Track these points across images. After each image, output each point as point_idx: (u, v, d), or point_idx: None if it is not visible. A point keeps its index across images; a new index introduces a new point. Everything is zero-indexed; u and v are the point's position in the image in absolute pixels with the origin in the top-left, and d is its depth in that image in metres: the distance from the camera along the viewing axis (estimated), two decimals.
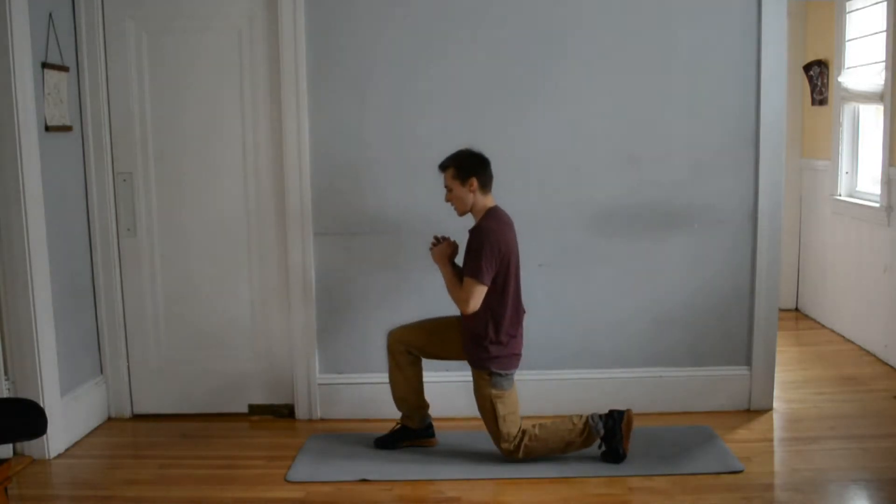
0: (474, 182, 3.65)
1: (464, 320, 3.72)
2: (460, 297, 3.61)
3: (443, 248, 3.74)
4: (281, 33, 4.17)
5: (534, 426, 3.72)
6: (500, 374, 3.67)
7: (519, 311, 3.75)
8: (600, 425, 3.69)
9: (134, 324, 4.46)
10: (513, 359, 3.72)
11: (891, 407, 4.40)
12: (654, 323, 4.35)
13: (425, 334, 3.87)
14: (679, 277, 4.32)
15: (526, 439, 3.69)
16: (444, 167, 3.70)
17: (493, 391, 3.67)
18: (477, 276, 3.56)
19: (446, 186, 3.71)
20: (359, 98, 4.22)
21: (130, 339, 4.48)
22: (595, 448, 3.77)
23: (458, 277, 3.68)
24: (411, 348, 3.86)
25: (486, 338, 3.65)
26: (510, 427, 3.69)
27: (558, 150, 4.24)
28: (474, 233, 3.64)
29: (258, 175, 4.34)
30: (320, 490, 3.57)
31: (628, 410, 3.71)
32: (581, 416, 3.73)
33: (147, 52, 4.29)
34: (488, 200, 3.71)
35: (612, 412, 3.72)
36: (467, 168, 3.65)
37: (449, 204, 3.75)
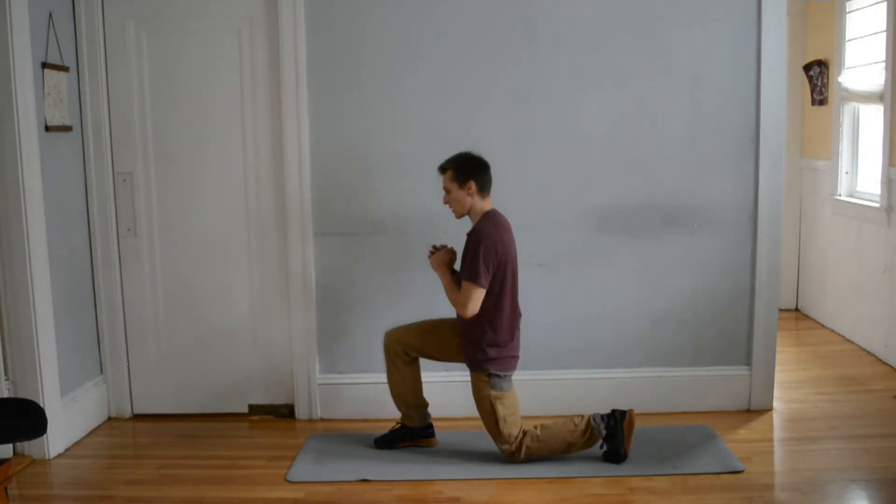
0: (472, 185, 3.65)
1: (461, 323, 3.72)
2: (459, 301, 3.62)
3: (441, 255, 3.76)
4: (281, 33, 4.17)
5: (535, 427, 3.72)
6: (499, 376, 3.68)
7: (516, 314, 3.75)
8: (602, 426, 3.69)
9: (134, 324, 4.46)
10: (511, 360, 3.73)
11: (891, 407, 4.40)
12: (654, 323, 4.35)
13: (422, 335, 3.88)
14: (679, 277, 4.32)
15: (527, 440, 3.69)
16: (443, 169, 3.70)
17: (493, 392, 3.67)
18: (475, 280, 3.57)
19: (445, 188, 3.71)
20: (359, 98, 4.22)
21: (130, 339, 4.47)
22: (596, 448, 3.76)
23: (457, 283, 3.68)
24: (408, 349, 3.86)
25: (484, 340, 3.66)
26: (511, 428, 3.69)
27: (558, 150, 4.24)
28: (472, 236, 3.65)
29: (258, 175, 4.34)
30: (320, 490, 3.57)
31: (630, 410, 3.71)
32: (583, 417, 3.73)
33: (147, 52, 4.29)
34: (486, 204, 3.72)
35: (614, 412, 3.72)
36: (466, 171, 3.66)
37: (447, 206, 3.76)
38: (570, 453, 3.75)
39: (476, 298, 3.59)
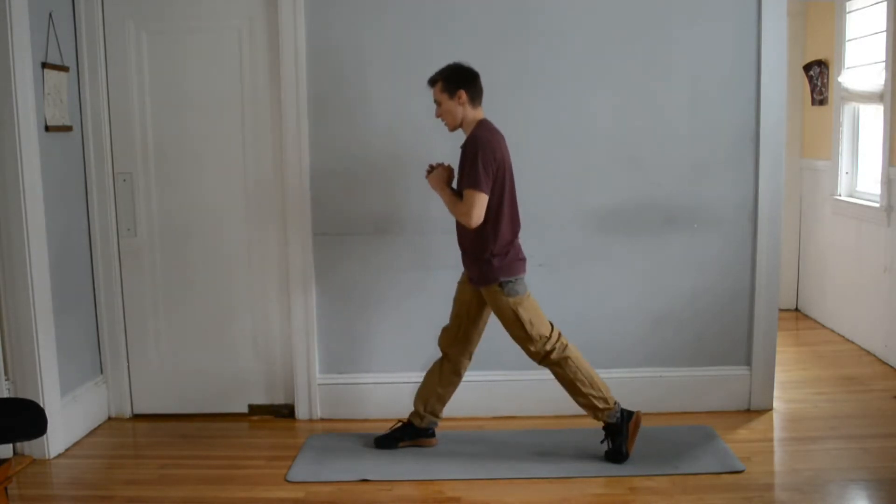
0: (463, 94, 3.59)
1: (463, 241, 3.67)
2: (462, 211, 3.53)
3: (439, 171, 3.68)
4: (281, 33, 4.17)
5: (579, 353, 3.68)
6: (511, 281, 3.60)
7: (516, 223, 3.68)
8: (616, 415, 3.69)
9: (134, 324, 4.46)
10: (518, 263, 3.65)
11: (891, 407, 4.40)
12: (655, 323, 4.35)
13: (453, 320, 3.81)
14: (679, 277, 4.32)
15: (571, 349, 3.64)
16: (432, 82, 3.65)
17: (510, 299, 3.60)
18: (476, 186, 3.49)
19: (435, 101, 3.65)
20: (359, 98, 4.22)
21: (130, 339, 4.48)
22: (597, 448, 3.77)
23: (458, 198, 3.61)
24: (453, 344, 3.78)
25: (487, 251, 3.59)
26: (540, 328, 3.62)
27: (558, 150, 4.24)
28: (468, 144, 3.58)
29: (258, 175, 4.34)
30: (320, 490, 3.57)
31: (638, 412, 3.71)
32: (612, 396, 3.71)
33: (147, 52, 4.29)
34: (479, 113, 3.66)
35: (622, 410, 3.72)
36: (455, 81, 3.60)
37: (440, 119, 3.69)
38: (577, 403, 3.71)
39: (480, 205, 3.50)
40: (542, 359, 3.67)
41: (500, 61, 4.18)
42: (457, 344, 3.82)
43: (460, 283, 3.82)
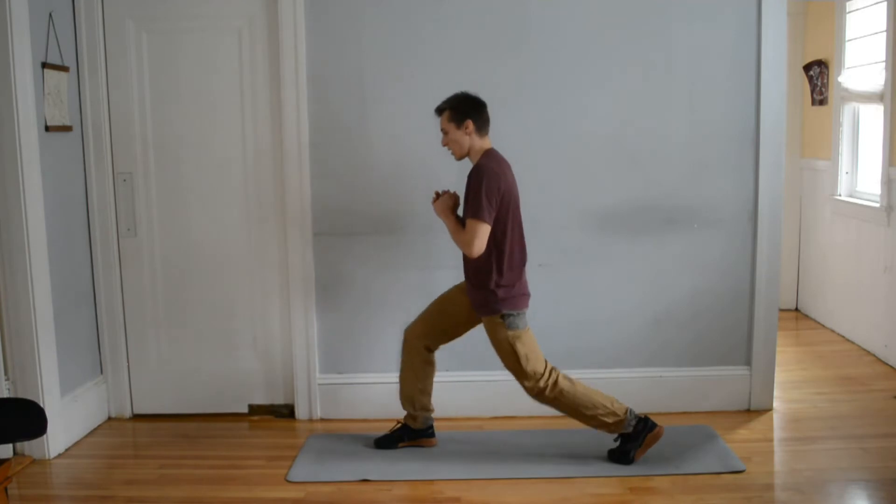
0: (470, 124, 3.60)
1: (467, 269, 3.68)
2: (465, 241, 3.54)
3: (444, 199, 3.68)
4: (281, 33, 4.17)
5: (572, 380, 3.67)
6: (513, 314, 3.61)
7: (523, 252, 3.68)
8: (633, 423, 3.67)
9: (134, 324, 4.46)
10: (522, 298, 3.66)
11: (891, 407, 4.40)
12: (655, 323, 4.35)
13: (435, 315, 3.83)
14: (679, 277, 4.32)
15: (564, 382, 3.63)
16: (440, 110, 3.66)
17: (510, 333, 3.60)
18: (478, 216, 3.49)
19: (442, 130, 3.66)
20: (359, 98, 4.22)
21: (130, 339, 4.47)
22: (597, 448, 3.77)
23: (461, 226, 3.61)
24: (430, 341, 3.81)
25: (492, 281, 3.59)
26: (535, 365, 3.62)
27: (558, 150, 4.24)
28: (473, 173, 3.58)
29: (258, 175, 4.34)
30: (320, 490, 3.57)
31: (661, 427, 3.69)
32: (622, 405, 3.69)
33: (147, 52, 4.29)
34: (485, 143, 3.66)
35: (647, 417, 3.70)
36: (463, 110, 3.61)
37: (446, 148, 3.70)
38: (587, 426, 3.70)
39: (481, 235, 3.51)
40: (537, 395, 3.68)
41: (501, 61, 4.19)
42: (429, 338, 3.82)
43: (459, 289, 3.81)
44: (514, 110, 4.20)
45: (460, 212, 3.70)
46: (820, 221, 6.16)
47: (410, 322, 3.89)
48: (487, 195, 3.49)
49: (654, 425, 3.68)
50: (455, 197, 3.70)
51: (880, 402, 4.48)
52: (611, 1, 4.17)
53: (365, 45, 4.19)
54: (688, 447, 3.87)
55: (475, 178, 3.54)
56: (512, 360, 3.64)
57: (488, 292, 3.61)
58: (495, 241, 3.57)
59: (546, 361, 3.67)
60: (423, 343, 3.82)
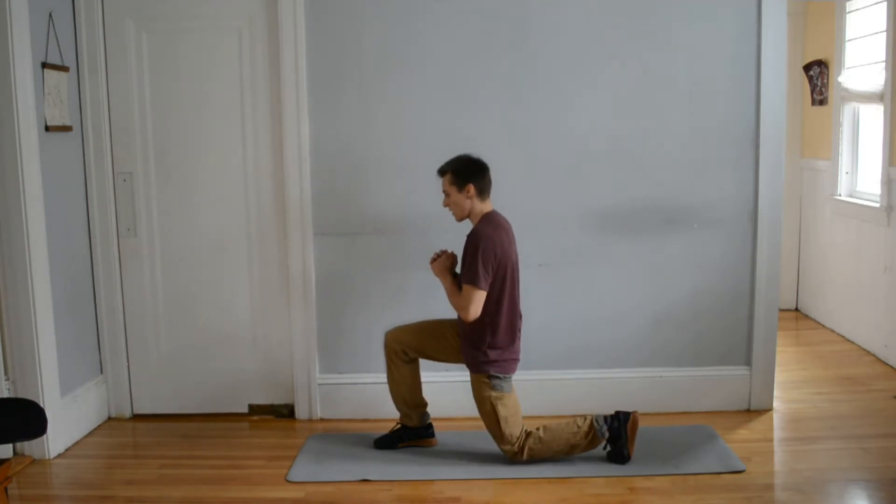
0: (471, 188, 3.65)
1: (462, 325, 3.72)
2: (460, 305, 3.62)
3: (442, 260, 3.76)
4: (281, 33, 4.17)
5: (538, 429, 3.72)
6: (500, 377, 3.68)
7: (516, 316, 3.74)
8: (605, 427, 3.69)
9: (134, 324, 4.46)
10: (511, 363, 3.72)
11: (891, 407, 4.40)
12: (655, 323, 4.35)
13: (422, 335, 3.88)
14: (679, 277, 4.32)
15: (530, 441, 3.69)
16: (442, 172, 3.71)
17: (493, 394, 3.67)
18: (475, 283, 3.57)
19: (444, 192, 3.72)
20: (359, 98, 4.22)
21: (130, 339, 4.47)
22: (598, 448, 3.76)
23: (459, 286, 3.68)
24: (408, 349, 3.86)
25: (485, 342, 3.66)
26: (512, 428, 3.69)
27: (558, 150, 4.24)
28: (470, 238, 3.65)
29: (258, 175, 4.34)
30: (320, 490, 3.57)
31: (634, 412, 3.71)
32: (585, 418, 3.72)
33: (147, 52, 4.29)
34: (486, 206, 3.72)
35: (618, 413, 3.72)
36: (465, 174, 3.66)
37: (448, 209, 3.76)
38: (573, 455, 3.75)
39: (477, 301, 3.58)
40: (514, 456, 3.72)
41: (501, 61, 4.19)
42: (409, 348, 3.85)
43: (454, 329, 3.83)
44: (514, 110, 4.20)
45: (458, 271, 3.76)
46: (820, 221, 6.16)
47: (393, 327, 3.92)
48: (483, 261, 3.55)
49: (627, 416, 3.70)
50: (453, 257, 3.77)
51: (880, 402, 4.48)
52: (610, 1, 4.17)
53: (365, 45, 4.19)
54: (688, 447, 3.87)
55: (472, 244, 3.61)
56: (492, 419, 3.69)
57: (479, 352, 3.67)
58: (490, 303, 3.63)
59: (523, 426, 3.71)
60: (402, 348, 3.86)
